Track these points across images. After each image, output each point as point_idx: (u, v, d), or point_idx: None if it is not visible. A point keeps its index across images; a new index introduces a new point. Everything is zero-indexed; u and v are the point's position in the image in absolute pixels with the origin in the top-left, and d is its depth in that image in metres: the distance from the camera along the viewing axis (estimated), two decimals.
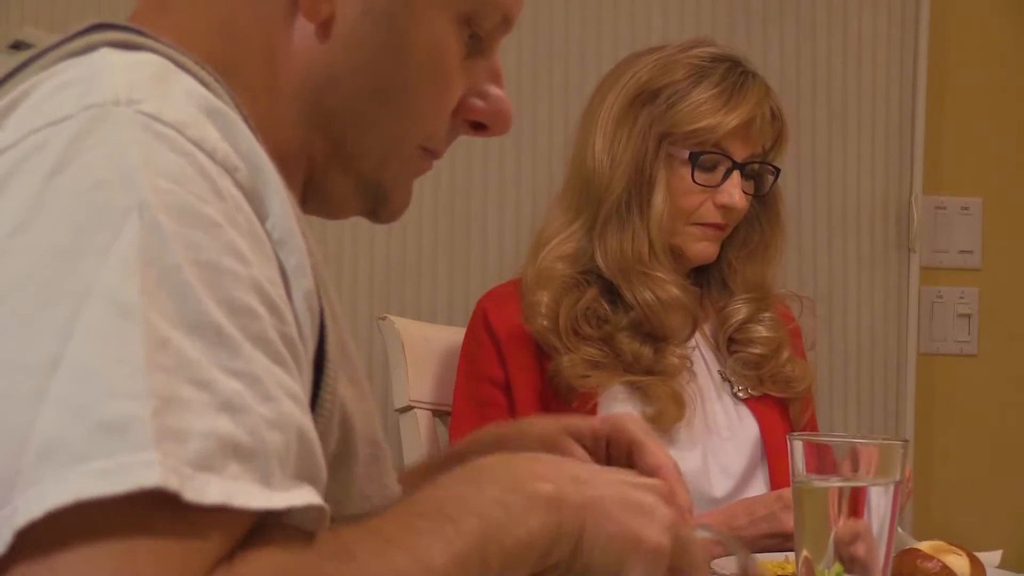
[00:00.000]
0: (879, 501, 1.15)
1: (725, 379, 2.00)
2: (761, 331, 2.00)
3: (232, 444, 0.66)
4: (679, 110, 1.92)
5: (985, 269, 2.89)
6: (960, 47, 2.87)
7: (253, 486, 0.66)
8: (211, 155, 0.74)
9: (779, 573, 1.54)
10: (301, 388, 0.73)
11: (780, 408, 2.00)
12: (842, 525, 1.14)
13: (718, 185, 1.93)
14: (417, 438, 2.04)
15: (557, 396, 1.90)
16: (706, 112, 1.91)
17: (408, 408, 2.05)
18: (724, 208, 1.94)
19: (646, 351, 1.92)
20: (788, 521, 1.69)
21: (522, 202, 2.69)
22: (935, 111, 2.84)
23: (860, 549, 1.13)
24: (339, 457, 0.83)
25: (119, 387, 0.65)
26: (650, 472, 1.11)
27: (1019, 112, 2.89)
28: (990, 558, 1.62)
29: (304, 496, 0.70)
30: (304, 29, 0.88)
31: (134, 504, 0.63)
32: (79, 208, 0.69)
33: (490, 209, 2.68)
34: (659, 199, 1.92)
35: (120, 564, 0.62)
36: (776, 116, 1.98)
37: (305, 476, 0.71)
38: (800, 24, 2.76)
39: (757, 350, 1.99)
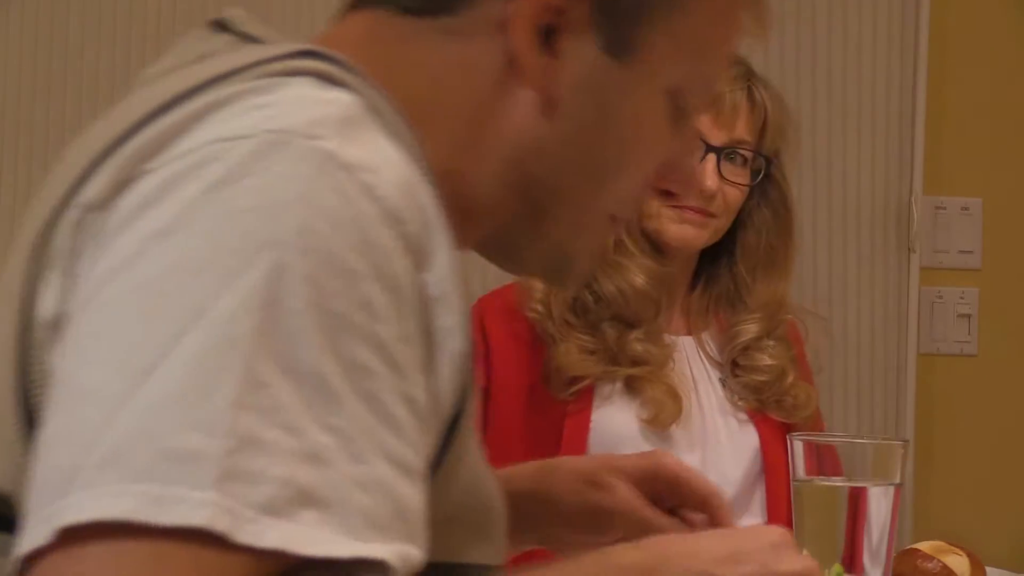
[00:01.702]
0: (879, 501, 1.15)
1: (726, 387, 1.97)
2: (765, 359, 1.96)
3: (311, 494, 0.65)
4: None
5: (985, 269, 2.89)
6: (960, 47, 2.86)
7: (331, 535, 0.65)
8: (379, 202, 0.72)
9: None
10: (415, 449, 0.71)
11: (782, 425, 1.96)
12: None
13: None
14: None
15: (550, 389, 1.88)
16: None
17: None
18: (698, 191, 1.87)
19: (629, 339, 1.89)
20: None
21: None
22: (935, 111, 2.84)
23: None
24: (449, 519, 0.81)
25: (198, 420, 0.64)
26: (700, 503, 1.11)
27: (1019, 112, 2.89)
28: None
29: (394, 550, 0.67)
30: (526, 99, 0.88)
31: (184, 537, 0.63)
32: (224, 229, 0.69)
33: None
34: None
35: None
36: (758, 103, 1.93)
37: (401, 535, 0.69)
38: (800, 24, 2.76)
39: (760, 377, 1.95)
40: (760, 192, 1.98)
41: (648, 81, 0.90)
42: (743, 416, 1.95)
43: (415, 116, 0.83)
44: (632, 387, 1.90)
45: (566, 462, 1.16)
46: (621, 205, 0.95)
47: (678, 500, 1.12)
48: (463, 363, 0.77)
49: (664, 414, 1.87)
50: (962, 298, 2.88)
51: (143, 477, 0.63)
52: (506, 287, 2.01)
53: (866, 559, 1.15)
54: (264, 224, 0.69)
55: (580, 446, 1.86)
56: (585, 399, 1.88)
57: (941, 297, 2.87)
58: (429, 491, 0.75)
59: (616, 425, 1.88)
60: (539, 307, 1.89)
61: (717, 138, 1.89)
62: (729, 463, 1.91)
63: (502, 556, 0.90)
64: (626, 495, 1.11)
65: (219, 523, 0.63)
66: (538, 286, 1.90)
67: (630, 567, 0.84)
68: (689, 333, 2.00)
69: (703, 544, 0.88)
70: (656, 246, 1.93)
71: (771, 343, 1.97)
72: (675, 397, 1.89)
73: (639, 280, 1.89)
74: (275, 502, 0.64)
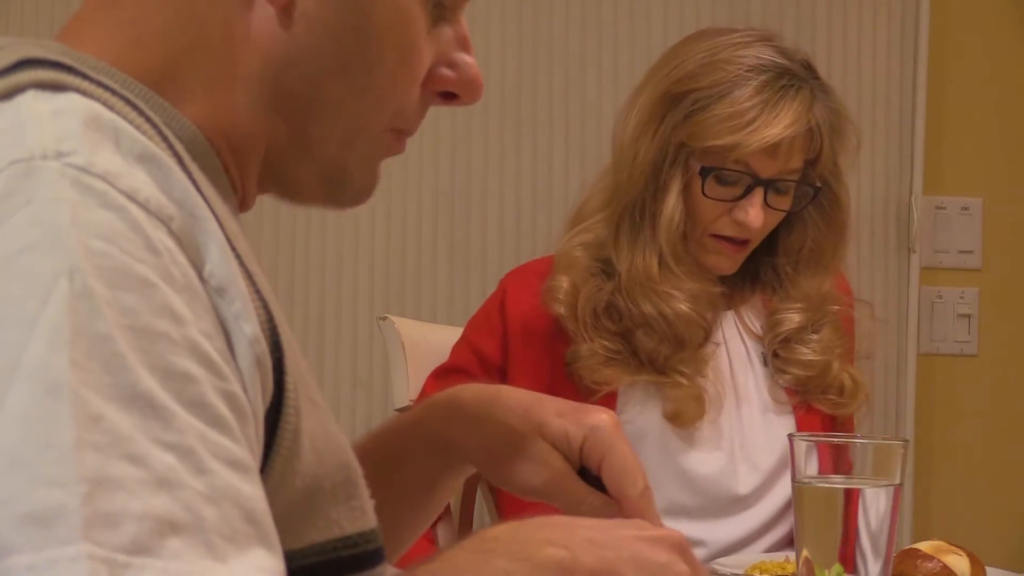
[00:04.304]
0: (879, 501, 1.15)
1: (768, 365, 1.90)
2: (807, 354, 1.88)
3: (169, 521, 0.65)
4: (698, 121, 1.81)
5: (985, 269, 2.89)
6: (960, 47, 2.87)
7: (198, 561, 0.65)
8: (144, 205, 0.71)
9: (779, 573, 1.54)
10: (245, 444, 0.71)
11: (826, 415, 1.90)
12: None
13: (737, 200, 1.82)
14: None
15: (572, 383, 1.84)
16: (725, 131, 1.79)
17: (408, 408, 2.05)
18: (740, 225, 1.83)
19: (663, 350, 1.84)
20: None
21: (522, 202, 2.69)
22: (935, 111, 2.84)
23: None
24: (309, 490, 0.82)
25: (46, 474, 0.63)
26: (614, 492, 1.04)
27: (1019, 112, 2.89)
28: None
29: (255, 561, 0.68)
30: (264, 12, 0.85)
31: None
32: (7, 276, 0.67)
33: (490, 209, 2.68)
34: (669, 207, 1.82)
35: None
36: (817, 133, 1.84)
37: (257, 542, 0.69)
38: (800, 24, 2.76)
39: (802, 372, 1.88)
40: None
41: None
42: (783, 397, 1.89)
43: (172, 71, 0.82)
44: (656, 384, 1.85)
45: (494, 416, 1.08)
46: (399, 116, 0.91)
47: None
48: (259, 347, 0.76)
49: (686, 415, 1.83)
50: (962, 298, 2.88)
51: (9, 551, 0.62)
52: (537, 261, 1.98)
53: (866, 559, 1.15)
54: (46, 258, 0.67)
55: None
56: (610, 396, 1.84)
57: (941, 297, 2.87)
58: (275, 474, 0.77)
59: (640, 421, 1.84)
60: (562, 309, 1.85)
61: (767, 171, 1.82)
62: (763, 453, 1.86)
63: (371, 508, 0.89)
64: (555, 471, 1.05)
65: (100, 574, 0.62)
66: (563, 286, 1.86)
67: (497, 536, 0.83)
68: (729, 308, 1.94)
69: (574, 524, 0.86)
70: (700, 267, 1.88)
71: (815, 336, 1.89)
72: (698, 400, 1.84)
73: (683, 308, 1.83)
74: (140, 539, 0.63)
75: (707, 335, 1.88)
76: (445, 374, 1.92)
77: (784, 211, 1.87)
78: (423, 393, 1.93)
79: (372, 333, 2.58)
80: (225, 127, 0.85)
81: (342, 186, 0.92)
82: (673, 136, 1.83)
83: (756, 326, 1.94)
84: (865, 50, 2.80)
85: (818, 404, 1.89)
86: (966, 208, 2.88)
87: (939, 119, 2.85)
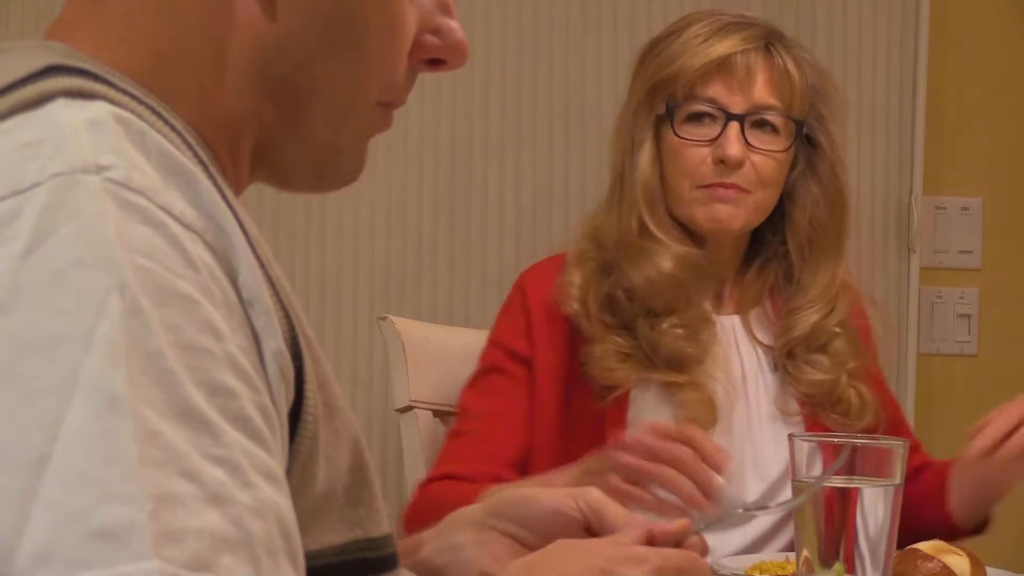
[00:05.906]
0: (879, 501, 1.15)
1: (777, 371, 1.89)
2: (815, 373, 1.86)
3: (223, 538, 0.66)
4: (657, 61, 1.84)
5: (985, 269, 2.89)
6: (960, 47, 2.86)
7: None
8: (180, 220, 0.72)
9: (779, 573, 1.54)
10: (279, 456, 0.73)
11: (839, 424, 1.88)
12: None
13: (715, 139, 1.82)
14: (417, 438, 2.04)
15: (585, 384, 1.84)
16: (678, 54, 1.82)
17: (408, 408, 2.05)
18: (721, 164, 1.80)
19: (661, 330, 1.82)
20: None
21: (522, 202, 2.69)
22: (935, 111, 2.84)
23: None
24: (324, 495, 0.82)
25: (113, 490, 0.64)
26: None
27: (1019, 112, 2.89)
28: None
29: None
30: (246, 1, 0.85)
31: None
32: (58, 290, 0.67)
33: (490, 209, 2.68)
34: (643, 159, 1.83)
35: None
36: (778, 65, 1.84)
37: (287, 557, 0.70)
38: (800, 24, 2.76)
39: (808, 390, 1.87)
40: (806, 162, 1.89)
41: None
42: (794, 408, 1.88)
43: (162, 68, 0.82)
44: (668, 389, 1.84)
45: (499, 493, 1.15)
46: (386, 88, 0.91)
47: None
48: (283, 359, 0.77)
49: (698, 423, 1.79)
50: (962, 298, 2.88)
51: (79, 566, 0.62)
52: (551, 259, 1.97)
53: (866, 559, 1.15)
54: (97, 274, 0.68)
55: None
56: (622, 400, 1.84)
57: (941, 297, 2.87)
58: (294, 480, 0.77)
59: None
60: (576, 305, 1.84)
61: (737, 105, 1.82)
62: (770, 460, 1.85)
63: (382, 516, 0.89)
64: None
65: None
66: (575, 282, 1.85)
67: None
68: (737, 312, 1.92)
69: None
70: (692, 234, 1.86)
71: (824, 355, 1.88)
72: (710, 406, 1.82)
73: (667, 265, 1.82)
74: (200, 555, 0.64)
75: (687, 297, 1.85)
76: (482, 376, 1.91)
77: (773, 151, 1.85)
78: (462, 410, 1.92)
79: (372, 333, 2.58)
80: (219, 119, 0.85)
81: (332, 167, 0.92)
82: (641, 88, 1.86)
83: (764, 336, 1.92)
84: (865, 50, 2.80)
85: (824, 420, 1.87)
86: (966, 208, 2.88)
87: (939, 119, 2.85)
